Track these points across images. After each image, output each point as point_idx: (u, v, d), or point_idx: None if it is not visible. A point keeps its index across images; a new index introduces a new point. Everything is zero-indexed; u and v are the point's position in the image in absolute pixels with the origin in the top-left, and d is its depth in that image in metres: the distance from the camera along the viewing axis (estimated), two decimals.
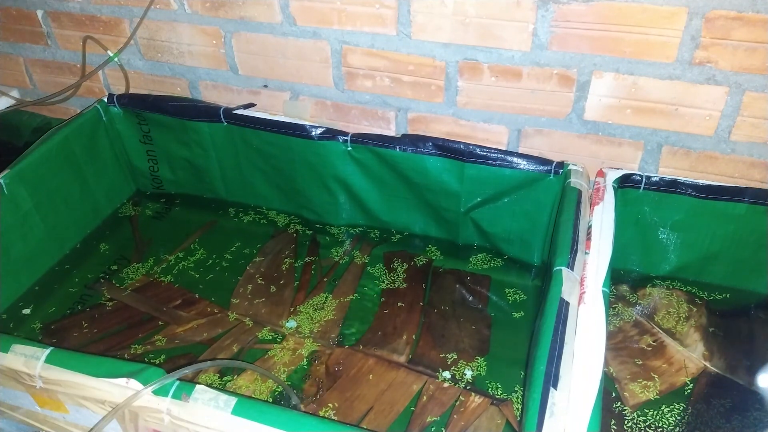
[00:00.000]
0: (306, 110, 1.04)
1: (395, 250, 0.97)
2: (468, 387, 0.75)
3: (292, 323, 0.85)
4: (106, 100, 1.03)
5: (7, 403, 0.67)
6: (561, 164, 0.85)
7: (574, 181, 0.82)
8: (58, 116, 1.24)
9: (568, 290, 0.65)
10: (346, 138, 0.93)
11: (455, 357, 0.79)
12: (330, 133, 0.93)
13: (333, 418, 0.71)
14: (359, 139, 0.92)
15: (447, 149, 0.88)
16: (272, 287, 0.91)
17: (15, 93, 1.26)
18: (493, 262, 0.95)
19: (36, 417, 0.67)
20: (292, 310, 0.87)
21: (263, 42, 0.99)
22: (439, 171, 0.90)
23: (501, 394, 0.74)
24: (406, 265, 0.94)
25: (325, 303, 0.88)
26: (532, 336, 0.76)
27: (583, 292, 0.65)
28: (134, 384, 0.56)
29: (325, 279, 0.92)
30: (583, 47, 0.82)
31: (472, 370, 0.77)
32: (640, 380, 0.75)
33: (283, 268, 0.94)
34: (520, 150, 0.94)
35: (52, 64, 1.18)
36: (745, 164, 0.84)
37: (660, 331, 0.82)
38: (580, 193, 0.80)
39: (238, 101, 1.07)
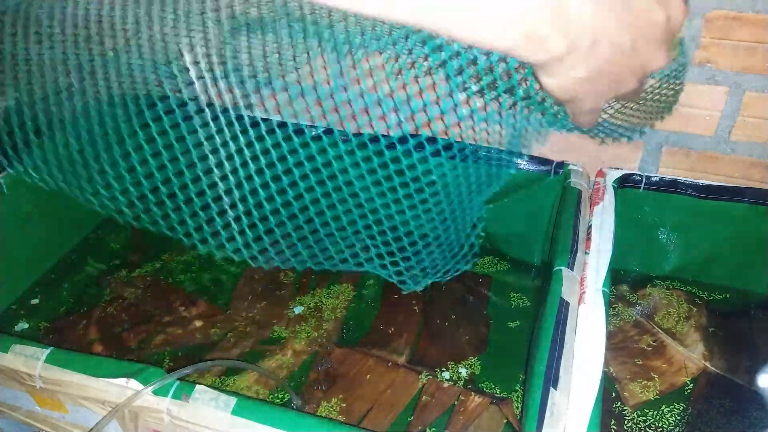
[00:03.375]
0: None
1: None
2: (468, 386, 0.75)
3: (299, 308, 0.86)
4: None
5: (7, 403, 0.67)
6: (561, 164, 0.84)
7: (574, 181, 0.82)
8: None
9: (568, 290, 0.64)
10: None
11: (455, 357, 0.79)
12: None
13: (332, 418, 0.71)
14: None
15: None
16: (272, 287, 0.91)
17: None
18: (499, 265, 0.94)
19: (36, 417, 0.67)
20: (291, 306, 0.87)
21: None
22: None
23: (501, 393, 0.74)
24: None
25: (339, 292, 0.89)
26: (531, 336, 0.76)
27: (583, 292, 0.65)
28: (134, 384, 0.56)
29: (324, 279, 0.92)
30: None
31: (472, 370, 0.77)
32: (640, 380, 0.75)
33: (284, 269, 0.94)
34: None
35: None
36: (745, 164, 0.84)
37: (660, 331, 0.82)
38: (580, 193, 0.80)
39: None
